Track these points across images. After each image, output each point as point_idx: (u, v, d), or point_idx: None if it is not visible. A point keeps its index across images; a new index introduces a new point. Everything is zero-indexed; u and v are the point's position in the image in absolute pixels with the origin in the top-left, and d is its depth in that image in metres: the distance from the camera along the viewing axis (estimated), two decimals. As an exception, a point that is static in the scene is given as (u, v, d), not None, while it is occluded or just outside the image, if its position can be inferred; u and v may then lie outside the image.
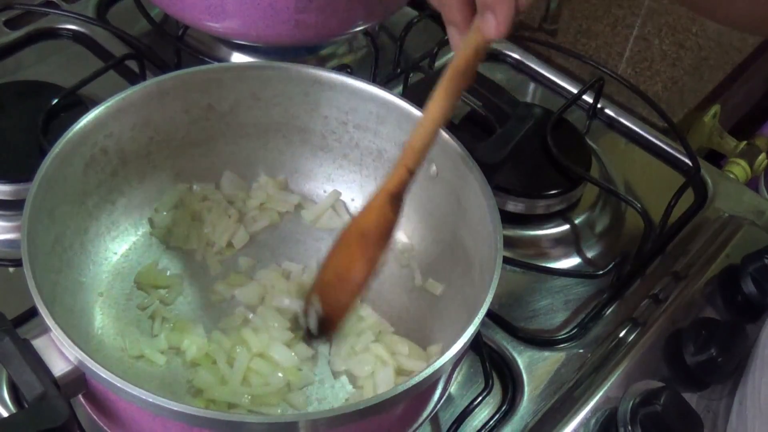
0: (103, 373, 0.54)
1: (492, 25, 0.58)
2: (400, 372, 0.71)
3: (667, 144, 1.00)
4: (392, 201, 0.65)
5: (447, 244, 0.75)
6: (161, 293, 0.74)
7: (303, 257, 0.79)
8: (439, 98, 0.63)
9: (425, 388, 0.59)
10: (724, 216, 0.93)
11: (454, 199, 0.73)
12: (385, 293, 0.77)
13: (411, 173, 0.64)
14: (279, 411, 0.69)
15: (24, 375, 0.55)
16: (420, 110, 0.73)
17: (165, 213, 0.78)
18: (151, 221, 0.78)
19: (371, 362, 0.71)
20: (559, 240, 0.89)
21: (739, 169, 1.14)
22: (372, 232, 0.65)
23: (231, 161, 0.80)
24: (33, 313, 0.62)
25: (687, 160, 0.97)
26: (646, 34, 1.18)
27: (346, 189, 0.82)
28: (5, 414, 0.68)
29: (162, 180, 0.78)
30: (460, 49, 0.62)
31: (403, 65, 1.01)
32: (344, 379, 0.72)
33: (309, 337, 0.69)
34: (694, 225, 0.92)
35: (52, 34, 1.01)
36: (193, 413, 0.53)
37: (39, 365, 0.56)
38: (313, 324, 0.67)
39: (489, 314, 0.64)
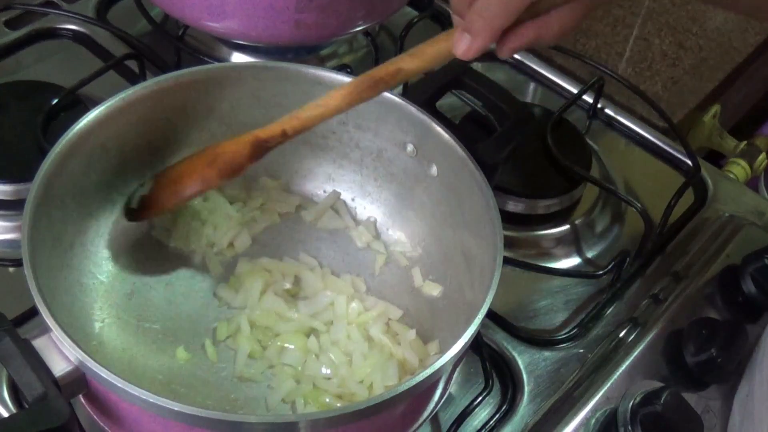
0: (104, 373, 0.54)
1: (464, 45, 0.59)
2: (403, 365, 0.71)
3: (667, 144, 1.00)
4: (253, 143, 0.67)
5: (447, 244, 0.75)
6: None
7: (303, 258, 0.80)
8: (345, 89, 0.66)
9: (425, 388, 0.59)
10: (724, 216, 0.93)
11: (454, 199, 0.73)
12: (385, 293, 0.77)
13: (284, 135, 0.66)
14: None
15: (24, 375, 0.55)
16: (420, 110, 0.73)
17: (165, 213, 0.78)
18: (151, 220, 0.78)
19: (377, 355, 0.72)
20: (559, 240, 0.89)
21: (739, 169, 1.14)
22: (219, 157, 0.68)
23: (231, 161, 0.80)
24: (33, 313, 0.62)
25: (687, 160, 0.97)
26: (646, 34, 1.18)
27: (346, 189, 0.82)
28: (5, 414, 0.68)
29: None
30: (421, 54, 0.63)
31: (403, 65, 1.01)
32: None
33: (126, 211, 0.73)
34: (694, 225, 0.92)
35: (52, 34, 1.00)
36: (193, 413, 0.53)
37: (39, 365, 0.56)
38: (135, 200, 0.72)
39: (489, 314, 0.64)
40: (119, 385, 0.54)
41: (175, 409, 0.53)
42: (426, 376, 0.56)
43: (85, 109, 0.69)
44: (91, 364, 0.55)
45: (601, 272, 0.83)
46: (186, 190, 0.70)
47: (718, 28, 1.21)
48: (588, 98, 1.02)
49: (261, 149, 0.67)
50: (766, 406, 0.71)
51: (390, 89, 0.67)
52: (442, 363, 0.57)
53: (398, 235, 0.80)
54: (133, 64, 0.93)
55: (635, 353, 0.78)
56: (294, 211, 0.82)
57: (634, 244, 0.87)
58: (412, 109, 0.73)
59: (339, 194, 0.82)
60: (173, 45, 0.96)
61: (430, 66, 0.64)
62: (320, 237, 0.81)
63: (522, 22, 0.58)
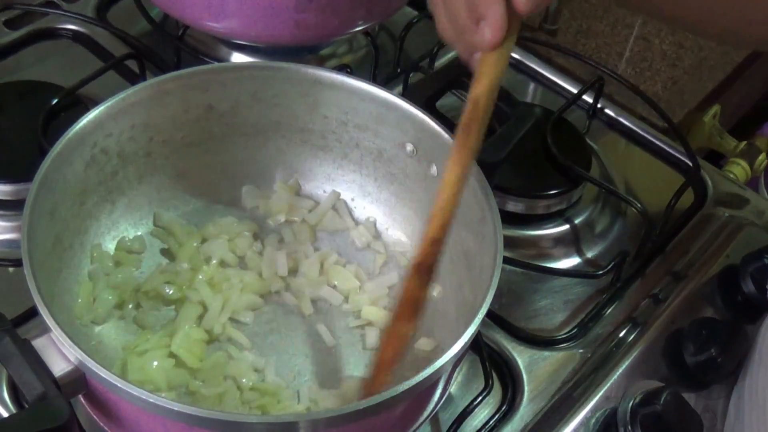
0: (103, 373, 0.54)
1: (486, 33, 0.58)
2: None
3: (667, 144, 1.00)
4: (413, 270, 0.63)
5: (447, 244, 0.75)
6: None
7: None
8: (452, 158, 0.62)
9: (425, 388, 0.59)
10: (724, 216, 0.93)
11: (454, 199, 0.73)
12: (384, 294, 0.77)
13: (434, 242, 0.62)
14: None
15: (24, 375, 0.55)
16: (420, 110, 0.73)
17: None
18: (154, 221, 0.78)
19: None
20: (559, 240, 0.89)
21: (739, 169, 1.14)
22: (398, 306, 0.63)
23: (231, 161, 0.80)
24: (33, 313, 0.62)
25: (687, 160, 0.97)
26: (646, 34, 1.18)
27: (346, 189, 0.82)
28: (5, 414, 0.68)
29: (162, 180, 0.78)
30: (469, 96, 0.61)
31: (403, 65, 1.01)
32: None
33: None
34: (694, 225, 0.92)
35: (52, 34, 1.00)
36: (193, 413, 0.53)
37: (39, 365, 0.56)
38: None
39: (489, 314, 0.64)
40: (119, 385, 0.54)
41: (175, 409, 0.53)
42: (426, 376, 0.56)
43: (85, 109, 0.69)
44: (90, 364, 0.55)
45: (601, 272, 0.83)
46: (385, 357, 0.63)
47: (718, 28, 1.21)
48: (588, 98, 1.02)
49: (424, 271, 0.62)
50: (756, 406, 0.71)
51: (484, 123, 0.62)
52: (442, 363, 0.57)
53: (398, 235, 0.80)
54: (133, 64, 0.93)
55: (635, 353, 0.78)
56: (303, 217, 0.82)
57: (634, 244, 0.87)
58: (412, 109, 0.73)
59: (339, 194, 0.82)
60: (173, 45, 0.96)
61: (495, 76, 0.61)
62: (320, 237, 0.81)
63: None
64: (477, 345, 0.75)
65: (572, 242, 0.89)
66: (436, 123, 0.72)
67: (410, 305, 0.63)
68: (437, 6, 0.62)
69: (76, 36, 1.01)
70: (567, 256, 0.88)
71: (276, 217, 0.81)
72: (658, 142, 1.01)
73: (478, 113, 0.61)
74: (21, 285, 0.58)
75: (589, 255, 0.88)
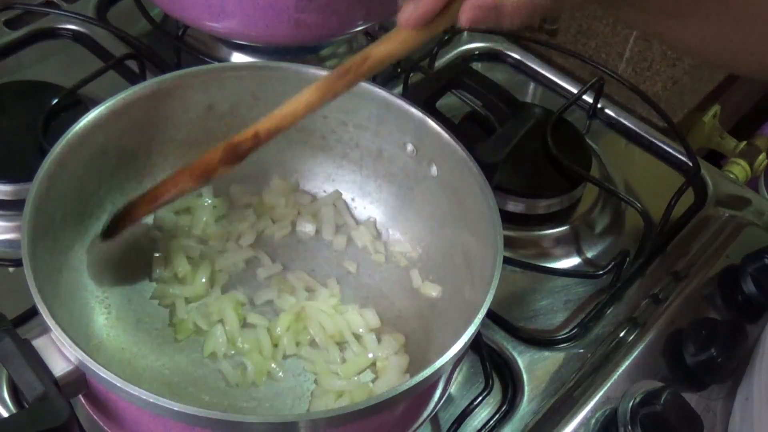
0: (104, 373, 0.54)
1: (407, 11, 0.58)
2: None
3: (667, 144, 1.00)
4: (225, 147, 0.66)
5: (447, 244, 0.75)
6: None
7: (304, 258, 0.80)
8: (317, 85, 0.63)
9: (425, 388, 0.59)
10: (724, 216, 0.93)
11: (454, 199, 0.73)
12: (384, 294, 0.77)
13: (256, 137, 0.65)
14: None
15: (24, 375, 0.55)
16: (420, 110, 0.73)
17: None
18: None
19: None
20: (559, 240, 0.89)
21: (739, 169, 1.14)
22: (193, 162, 0.67)
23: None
24: (33, 313, 0.62)
25: (687, 160, 0.97)
26: (646, 34, 1.18)
27: (346, 189, 0.82)
28: (5, 414, 0.68)
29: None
30: (372, 48, 0.62)
31: (403, 65, 1.01)
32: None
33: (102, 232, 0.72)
34: (694, 225, 0.92)
35: (52, 34, 1.01)
36: (193, 413, 0.53)
37: (39, 365, 0.56)
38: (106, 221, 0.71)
39: (489, 314, 0.64)
40: (119, 385, 0.54)
41: (175, 409, 0.53)
42: (426, 376, 0.56)
43: (85, 109, 0.69)
44: (91, 364, 0.55)
45: (601, 272, 0.83)
46: (160, 196, 0.69)
47: (718, 28, 1.21)
48: (588, 98, 1.02)
49: (233, 153, 0.66)
50: (765, 408, 0.71)
51: (362, 78, 0.63)
52: (442, 363, 0.57)
53: (398, 235, 0.80)
54: (133, 64, 0.93)
55: (635, 353, 0.78)
56: (298, 214, 0.82)
57: (634, 244, 0.87)
58: (412, 109, 0.73)
59: (339, 194, 0.82)
60: (173, 45, 0.96)
61: (398, 50, 0.61)
62: (319, 237, 0.81)
63: None
64: (477, 345, 0.75)
65: (572, 242, 0.89)
66: (436, 123, 0.72)
67: (202, 170, 0.67)
68: None
69: (76, 36, 1.01)
70: (567, 256, 0.88)
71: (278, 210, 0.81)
72: (658, 142, 1.01)
73: (361, 69, 0.62)
74: (21, 285, 0.58)
75: (589, 255, 0.88)
